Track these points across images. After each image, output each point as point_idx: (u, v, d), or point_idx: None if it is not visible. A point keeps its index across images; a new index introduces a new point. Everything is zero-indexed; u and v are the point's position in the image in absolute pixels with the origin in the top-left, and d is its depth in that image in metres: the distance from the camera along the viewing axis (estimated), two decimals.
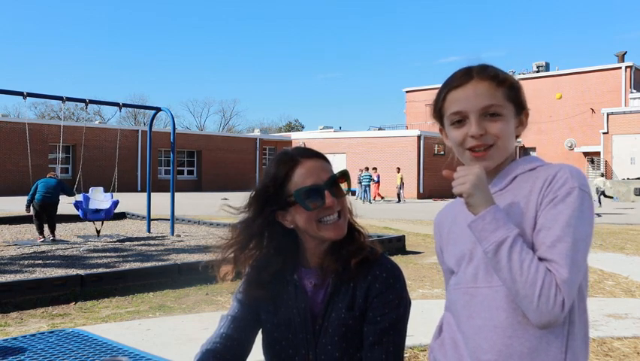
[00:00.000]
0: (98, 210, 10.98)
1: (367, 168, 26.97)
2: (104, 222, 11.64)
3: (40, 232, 10.57)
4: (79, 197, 11.05)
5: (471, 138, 1.28)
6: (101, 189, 11.76)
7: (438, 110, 1.37)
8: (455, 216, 1.40)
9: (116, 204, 11.30)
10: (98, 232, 11.22)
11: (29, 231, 12.30)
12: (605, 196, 23.26)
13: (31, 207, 10.65)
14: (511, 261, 1.15)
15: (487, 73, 1.31)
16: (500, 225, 1.18)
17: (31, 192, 10.63)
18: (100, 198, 11.37)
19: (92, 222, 11.45)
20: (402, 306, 1.46)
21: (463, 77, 1.31)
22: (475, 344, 1.26)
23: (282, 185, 1.47)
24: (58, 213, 11.02)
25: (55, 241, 10.66)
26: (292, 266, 1.55)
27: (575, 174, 1.21)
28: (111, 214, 11.30)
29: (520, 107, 1.32)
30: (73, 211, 11.23)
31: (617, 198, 26.26)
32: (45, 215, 10.64)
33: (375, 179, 26.41)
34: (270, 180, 1.49)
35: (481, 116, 1.28)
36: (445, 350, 1.36)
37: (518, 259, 1.15)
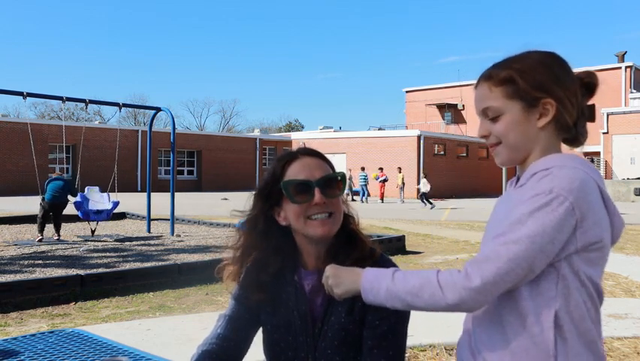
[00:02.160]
0: (99, 212, 11.05)
1: (363, 169, 26.96)
2: (103, 221, 11.69)
3: (41, 230, 10.60)
4: (77, 197, 11.10)
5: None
6: (97, 188, 11.84)
7: None
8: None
9: (116, 205, 11.38)
10: (93, 231, 11.32)
11: (29, 231, 12.30)
12: (425, 196, 22.69)
13: (40, 206, 10.73)
14: (407, 292, 1.20)
15: (484, 75, 1.31)
16: (375, 285, 1.24)
17: (41, 192, 10.75)
18: (96, 199, 11.43)
19: (89, 222, 11.49)
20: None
21: (477, 80, 1.33)
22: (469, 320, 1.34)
23: (279, 180, 1.48)
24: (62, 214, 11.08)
25: (60, 241, 10.69)
26: (292, 267, 1.54)
27: (558, 177, 1.16)
28: (111, 215, 11.45)
29: (531, 100, 1.25)
30: (74, 211, 11.26)
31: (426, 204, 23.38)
32: (52, 215, 10.73)
33: (382, 179, 26.43)
34: (270, 176, 1.51)
35: (484, 118, 1.31)
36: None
37: (407, 284, 1.20)
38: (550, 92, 1.25)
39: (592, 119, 1.33)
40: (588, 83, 1.29)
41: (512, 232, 1.14)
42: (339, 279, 1.31)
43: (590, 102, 1.29)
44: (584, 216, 1.15)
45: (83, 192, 11.53)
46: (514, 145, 1.28)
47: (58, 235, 10.82)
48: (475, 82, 1.36)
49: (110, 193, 11.83)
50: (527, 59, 1.28)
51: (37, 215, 10.81)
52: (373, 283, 1.25)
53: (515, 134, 1.27)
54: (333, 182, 1.48)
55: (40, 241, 10.44)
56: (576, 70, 1.32)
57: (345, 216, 1.55)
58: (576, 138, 1.31)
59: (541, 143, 1.27)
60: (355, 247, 1.51)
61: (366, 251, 1.51)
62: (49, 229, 10.90)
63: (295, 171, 1.47)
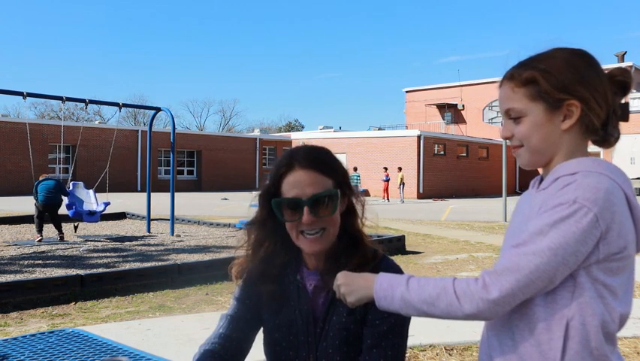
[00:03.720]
0: (92, 213, 11.06)
1: (355, 169, 26.93)
2: (103, 221, 11.73)
3: (39, 230, 10.61)
4: (68, 197, 11.13)
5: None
6: (82, 184, 11.88)
7: None
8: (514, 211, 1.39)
9: (106, 205, 11.45)
10: (76, 227, 11.42)
11: (29, 231, 12.29)
12: None
13: (34, 207, 10.75)
14: (422, 301, 1.18)
15: (507, 74, 1.27)
16: (389, 293, 1.22)
17: (33, 195, 10.82)
18: (82, 195, 11.45)
19: (86, 222, 11.56)
20: None
21: (501, 79, 1.29)
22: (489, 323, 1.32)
23: (279, 187, 1.47)
24: (58, 213, 11.09)
25: (63, 241, 10.70)
26: (295, 266, 1.54)
27: (582, 187, 1.12)
28: (100, 215, 11.53)
29: (554, 101, 1.21)
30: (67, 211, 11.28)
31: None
32: (49, 215, 10.75)
33: (384, 178, 26.45)
34: (270, 184, 1.50)
35: (508, 118, 1.27)
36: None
37: (422, 293, 1.18)
38: (574, 93, 1.20)
39: (625, 118, 1.27)
40: (621, 82, 1.24)
41: (533, 243, 1.11)
42: (352, 287, 1.28)
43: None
44: (609, 228, 1.10)
45: (69, 187, 11.54)
46: (536, 148, 1.24)
47: (62, 234, 10.83)
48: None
49: (96, 192, 11.87)
50: (553, 58, 1.23)
51: (40, 215, 10.81)
52: (387, 291, 1.22)
53: (538, 137, 1.23)
54: (326, 200, 1.43)
55: (39, 241, 10.44)
56: (609, 66, 1.27)
57: (351, 214, 1.53)
58: (605, 139, 1.25)
59: (566, 145, 1.23)
60: (357, 249, 1.49)
61: (369, 254, 1.50)
62: (50, 228, 10.91)
63: (287, 187, 1.44)
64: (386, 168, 27.18)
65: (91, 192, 11.71)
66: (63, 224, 11.14)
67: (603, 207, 1.10)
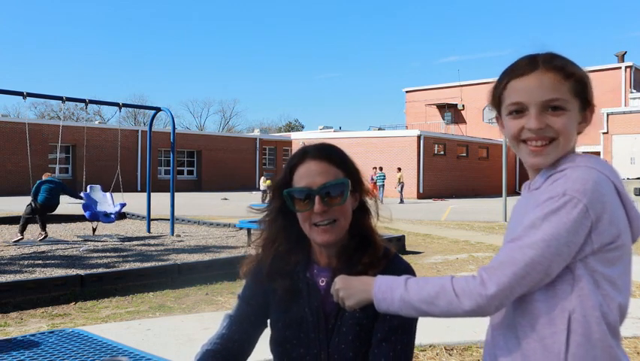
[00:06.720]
0: (108, 215, 11.05)
1: (381, 168, 26.86)
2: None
3: (22, 231, 10.56)
4: (83, 199, 11.07)
5: (528, 131, 1.23)
6: (99, 187, 11.84)
7: (497, 98, 1.31)
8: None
9: (123, 206, 11.46)
10: (94, 230, 11.34)
11: (29, 231, 12.24)
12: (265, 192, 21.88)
13: (29, 206, 10.67)
14: (422, 301, 1.19)
15: (554, 63, 1.24)
16: (388, 295, 1.23)
17: (32, 194, 10.69)
18: (99, 198, 11.43)
19: (92, 222, 11.49)
20: None
21: (528, 65, 1.25)
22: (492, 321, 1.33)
23: (291, 180, 1.49)
24: (58, 213, 11.07)
25: (44, 240, 10.62)
26: (305, 263, 1.55)
27: (571, 179, 1.15)
28: (116, 216, 11.53)
29: (585, 103, 1.25)
30: (74, 211, 11.26)
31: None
32: (39, 216, 10.65)
33: (374, 178, 26.27)
34: (282, 178, 1.51)
35: (543, 109, 1.22)
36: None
37: (421, 293, 1.19)
38: (592, 100, 1.27)
39: None
40: None
41: (527, 237, 1.13)
42: (350, 290, 1.29)
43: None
44: (599, 218, 1.13)
45: (85, 191, 11.51)
46: (567, 144, 1.23)
47: (45, 234, 10.70)
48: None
49: (112, 193, 11.83)
50: (574, 65, 1.27)
51: (32, 215, 10.68)
52: (386, 293, 1.23)
53: (571, 134, 1.24)
54: (336, 189, 1.45)
55: (18, 240, 10.32)
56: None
57: (363, 212, 1.53)
58: None
59: (573, 146, 1.27)
60: (369, 247, 1.50)
61: (381, 252, 1.50)
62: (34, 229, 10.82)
63: (298, 178, 1.46)
64: (375, 168, 26.97)
65: (108, 194, 11.66)
66: (74, 225, 11.09)
67: (592, 198, 1.12)
